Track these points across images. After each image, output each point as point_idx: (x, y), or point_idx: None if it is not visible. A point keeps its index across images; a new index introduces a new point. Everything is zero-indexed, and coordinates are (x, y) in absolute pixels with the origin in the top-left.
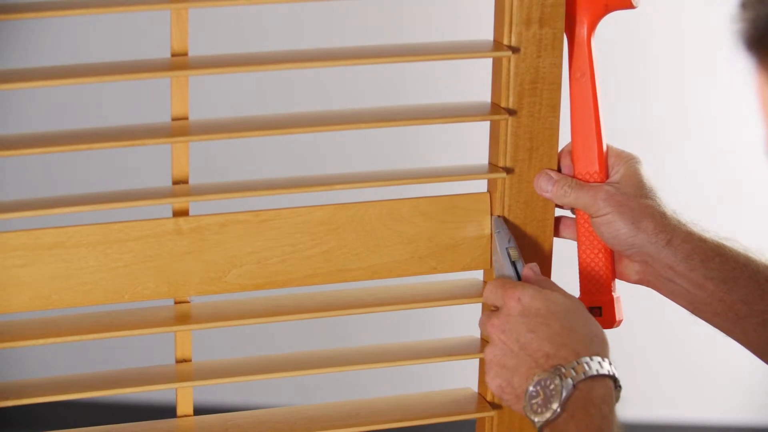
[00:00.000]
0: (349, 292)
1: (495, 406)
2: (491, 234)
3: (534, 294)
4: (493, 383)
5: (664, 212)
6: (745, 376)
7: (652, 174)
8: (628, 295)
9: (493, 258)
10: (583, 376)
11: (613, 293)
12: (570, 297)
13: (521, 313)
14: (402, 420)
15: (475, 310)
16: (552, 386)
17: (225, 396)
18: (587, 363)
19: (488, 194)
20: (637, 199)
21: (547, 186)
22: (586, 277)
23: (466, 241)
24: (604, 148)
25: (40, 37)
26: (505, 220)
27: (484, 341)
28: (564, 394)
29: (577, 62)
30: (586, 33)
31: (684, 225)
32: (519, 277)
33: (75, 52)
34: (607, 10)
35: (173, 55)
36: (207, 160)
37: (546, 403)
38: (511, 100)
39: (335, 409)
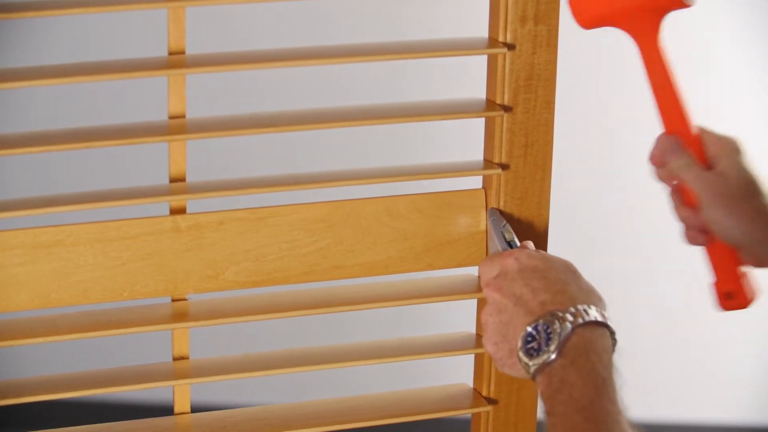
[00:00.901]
0: (345, 288)
1: (491, 401)
2: (486, 226)
3: (531, 253)
4: (489, 344)
5: None
6: (746, 375)
7: (753, 160)
8: (627, 296)
9: (489, 245)
10: (581, 321)
11: (740, 271)
12: (567, 260)
13: (518, 271)
14: (398, 416)
15: (470, 306)
16: (549, 330)
17: (223, 396)
18: (585, 310)
19: (483, 191)
20: (746, 201)
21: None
22: (713, 263)
23: (462, 237)
24: (695, 131)
25: (37, 36)
26: (501, 213)
27: (479, 336)
28: (562, 336)
29: (654, 75)
30: (653, 39)
31: None
32: None
33: (72, 51)
34: (666, 10)
35: (170, 53)
36: (204, 158)
37: (542, 346)
38: (506, 96)
39: (331, 405)
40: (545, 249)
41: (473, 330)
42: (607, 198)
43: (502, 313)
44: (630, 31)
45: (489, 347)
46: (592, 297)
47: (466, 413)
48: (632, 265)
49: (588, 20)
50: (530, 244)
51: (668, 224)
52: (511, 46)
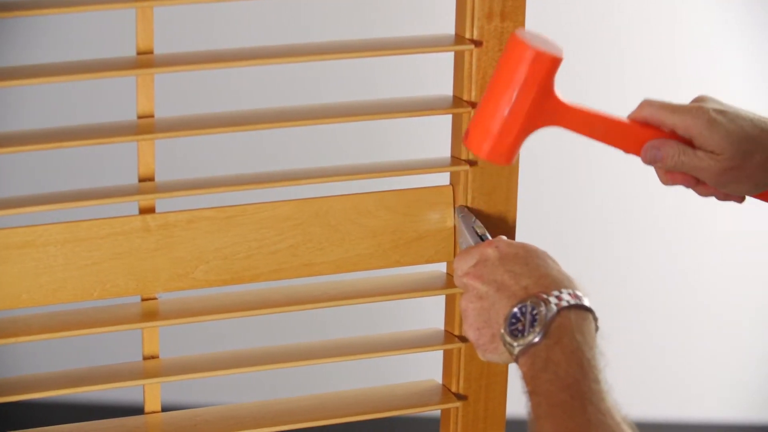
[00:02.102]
0: (315, 285)
1: (460, 397)
2: (455, 223)
3: (510, 242)
4: (470, 330)
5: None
6: (743, 374)
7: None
8: (625, 295)
9: (459, 240)
10: (566, 304)
11: None
12: (545, 251)
13: (499, 258)
14: (367, 413)
15: (440, 303)
16: (535, 311)
17: (193, 396)
18: (569, 293)
19: (451, 187)
20: (744, 168)
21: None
22: None
23: (430, 233)
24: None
25: (3, 37)
26: (469, 210)
27: (448, 332)
28: (547, 318)
29: (588, 126)
30: (561, 106)
31: None
32: None
33: (39, 52)
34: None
35: (139, 53)
36: (173, 157)
37: (527, 327)
38: (473, 93)
39: (301, 403)
40: None
41: (442, 326)
42: (576, 192)
43: (483, 299)
44: (538, 126)
45: (470, 333)
46: (574, 283)
47: (435, 409)
48: (601, 260)
49: (507, 154)
50: (504, 238)
51: (638, 219)
52: (477, 43)
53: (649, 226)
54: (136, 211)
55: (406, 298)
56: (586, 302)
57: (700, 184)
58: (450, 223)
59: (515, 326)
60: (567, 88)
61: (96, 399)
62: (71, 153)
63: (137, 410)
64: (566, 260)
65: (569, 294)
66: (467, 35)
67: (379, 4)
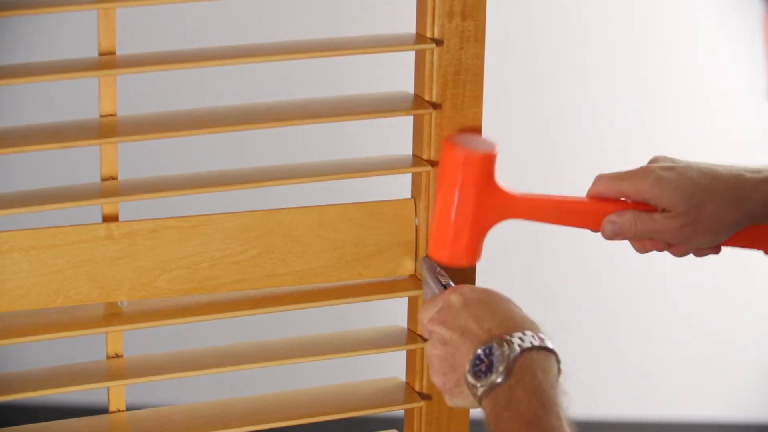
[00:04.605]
0: (280, 288)
1: (424, 396)
2: (418, 272)
3: (474, 287)
4: (436, 376)
5: (723, 205)
6: (732, 374)
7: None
8: (623, 293)
9: (424, 290)
10: (529, 345)
11: None
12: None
13: (463, 304)
14: (331, 412)
15: (402, 304)
16: (498, 353)
17: (158, 396)
18: (533, 335)
19: (413, 200)
20: (701, 220)
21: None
22: None
23: (392, 246)
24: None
25: None
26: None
27: (411, 331)
28: (510, 358)
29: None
30: (512, 199)
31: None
32: None
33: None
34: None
35: (101, 54)
36: (137, 158)
37: (491, 368)
38: (434, 92)
39: (266, 401)
40: (474, 267)
41: (404, 324)
42: (542, 234)
43: (447, 344)
44: (492, 222)
45: (436, 380)
46: (537, 326)
47: (398, 409)
48: (567, 264)
49: (466, 256)
50: (468, 285)
51: (611, 255)
52: (438, 42)
53: (622, 259)
54: (99, 213)
55: (371, 300)
56: (549, 344)
57: (671, 246)
58: (411, 236)
59: (478, 367)
60: (533, 86)
61: (60, 400)
62: (32, 154)
63: (102, 410)
64: (532, 266)
65: (533, 336)
66: (428, 34)
67: (340, 3)
